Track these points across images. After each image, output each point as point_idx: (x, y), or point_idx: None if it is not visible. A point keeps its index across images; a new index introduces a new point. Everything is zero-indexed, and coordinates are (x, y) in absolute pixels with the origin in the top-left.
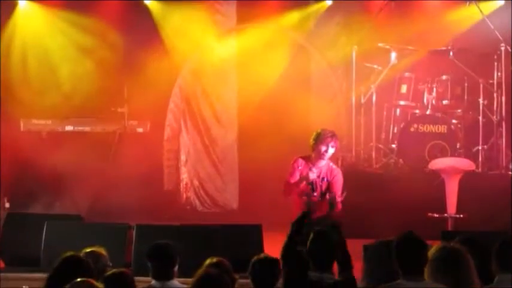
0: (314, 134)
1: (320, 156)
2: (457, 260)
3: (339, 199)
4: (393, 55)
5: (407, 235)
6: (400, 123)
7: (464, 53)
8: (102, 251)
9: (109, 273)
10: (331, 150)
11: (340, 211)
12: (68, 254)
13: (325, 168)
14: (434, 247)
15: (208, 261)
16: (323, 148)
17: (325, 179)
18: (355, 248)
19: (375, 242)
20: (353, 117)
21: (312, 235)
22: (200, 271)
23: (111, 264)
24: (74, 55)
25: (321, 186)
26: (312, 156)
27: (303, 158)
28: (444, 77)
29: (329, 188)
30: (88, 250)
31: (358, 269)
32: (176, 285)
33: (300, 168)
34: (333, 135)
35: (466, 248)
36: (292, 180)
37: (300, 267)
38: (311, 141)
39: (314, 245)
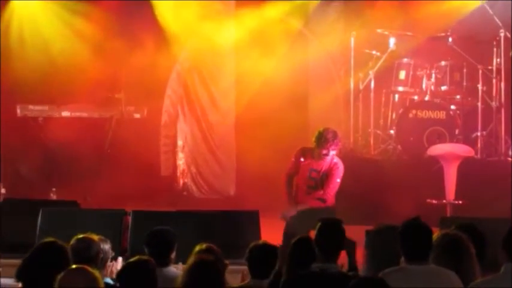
0: (316, 133)
1: (321, 157)
2: (459, 248)
3: (325, 196)
4: (392, 41)
5: (414, 221)
6: (398, 109)
7: (463, 39)
8: (94, 237)
9: (132, 260)
10: (332, 153)
11: (335, 200)
12: (46, 240)
13: (328, 163)
14: (436, 234)
15: (197, 247)
16: (324, 152)
17: (326, 174)
18: (353, 234)
19: (376, 227)
20: (351, 103)
21: (319, 226)
22: (193, 258)
23: (113, 253)
24: (71, 41)
25: (321, 181)
26: (315, 151)
27: (306, 151)
28: (443, 63)
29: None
30: (80, 236)
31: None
32: (173, 271)
33: (302, 160)
34: (334, 138)
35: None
36: (291, 171)
37: (307, 260)
38: (313, 139)
39: (322, 235)
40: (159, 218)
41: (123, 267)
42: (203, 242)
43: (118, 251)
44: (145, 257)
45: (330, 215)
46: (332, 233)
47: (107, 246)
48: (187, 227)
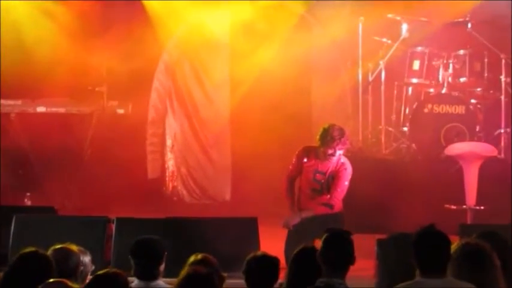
0: (321, 130)
1: (326, 158)
2: (481, 259)
3: (332, 201)
4: (404, 27)
5: (429, 229)
6: (412, 103)
7: (484, 25)
8: (73, 247)
9: (101, 272)
10: (338, 153)
11: (343, 206)
12: (27, 250)
13: (334, 164)
14: (455, 243)
15: (192, 258)
16: (329, 151)
17: (332, 176)
18: (364, 243)
19: (389, 236)
20: (359, 97)
21: (325, 237)
22: (186, 270)
23: (93, 267)
24: (46, 27)
25: (327, 184)
26: (319, 150)
27: (309, 151)
28: (462, 52)
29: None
30: (57, 247)
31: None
32: (162, 285)
33: (305, 161)
34: (341, 136)
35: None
36: (293, 173)
37: (311, 273)
38: (317, 138)
39: (328, 248)
40: (146, 226)
41: (90, 282)
42: (198, 252)
43: (100, 263)
44: (115, 270)
45: (338, 223)
46: (340, 245)
47: (87, 259)
48: (178, 236)
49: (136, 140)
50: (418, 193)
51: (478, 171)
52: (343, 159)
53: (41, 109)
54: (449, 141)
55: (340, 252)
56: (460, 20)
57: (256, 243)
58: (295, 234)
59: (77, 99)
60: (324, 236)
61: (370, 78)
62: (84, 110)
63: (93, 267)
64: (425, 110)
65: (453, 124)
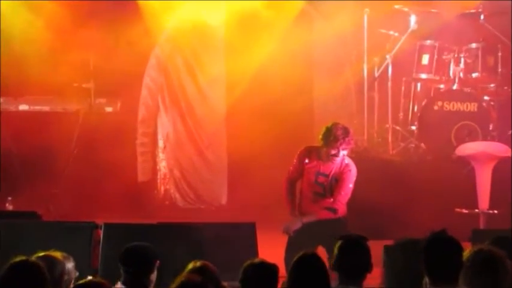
0: (324, 129)
1: (329, 159)
2: (495, 267)
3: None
4: (412, 19)
5: (439, 235)
6: (421, 100)
7: (498, 17)
8: (57, 255)
9: (82, 282)
10: (342, 153)
11: (347, 210)
12: (18, 259)
13: (337, 166)
14: (467, 250)
15: (190, 265)
16: (333, 152)
17: (336, 178)
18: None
19: (396, 242)
20: (365, 94)
21: (340, 244)
22: (180, 278)
23: (77, 274)
24: (29, 21)
25: (330, 187)
26: (322, 151)
27: (311, 151)
28: (474, 45)
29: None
30: (41, 254)
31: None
32: None
33: (306, 162)
34: (345, 136)
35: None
36: (293, 175)
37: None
38: (320, 137)
39: (345, 255)
40: (136, 232)
41: None
42: (194, 260)
43: (87, 271)
44: (98, 279)
45: (342, 228)
46: (356, 252)
47: (70, 265)
48: (170, 243)
49: (125, 140)
50: (427, 196)
51: (491, 173)
52: (347, 160)
53: (23, 107)
54: (461, 140)
55: (356, 259)
56: (472, 11)
57: (254, 250)
58: (296, 241)
59: (62, 97)
60: (339, 243)
61: (376, 74)
62: (69, 108)
63: (77, 274)
64: (435, 108)
65: (465, 122)
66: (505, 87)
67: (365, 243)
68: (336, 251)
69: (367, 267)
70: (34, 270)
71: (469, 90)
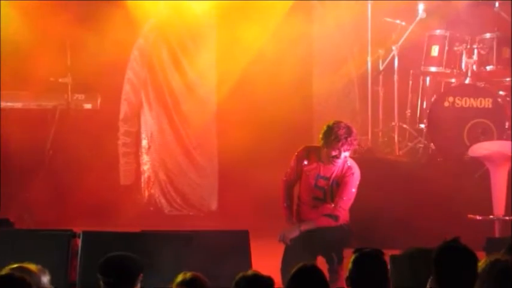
0: (325, 128)
1: (330, 160)
2: None
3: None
4: (421, 7)
5: (452, 244)
6: (430, 96)
7: None
8: (32, 267)
9: None
10: (344, 154)
11: (349, 217)
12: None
13: (339, 168)
14: (482, 261)
15: (180, 277)
16: (334, 153)
17: (337, 182)
18: None
19: (404, 252)
20: (369, 89)
21: (355, 258)
22: None
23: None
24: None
25: (331, 191)
26: (322, 152)
27: (310, 152)
28: (488, 36)
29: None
30: (14, 266)
31: None
32: None
33: (305, 164)
34: (348, 136)
35: None
36: (291, 178)
37: None
38: (320, 136)
39: (360, 270)
40: (118, 242)
41: None
42: (186, 271)
43: (64, 284)
44: None
45: (344, 237)
46: (372, 267)
47: (45, 279)
48: (156, 253)
49: (106, 140)
50: (438, 201)
51: (507, 176)
52: (350, 162)
53: None
54: (474, 140)
55: (373, 274)
56: None
57: (247, 261)
58: (293, 251)
59: (37, 93)
60: (353, 256)
61: (381, 67)
62: (45, 104)
63: None
64: (446, 104)
65: (478, 120)
66: None
67: (383, 257)
68: (350, 265)
69: (384, 283)
70: (18, 283)
71: (483, 85)
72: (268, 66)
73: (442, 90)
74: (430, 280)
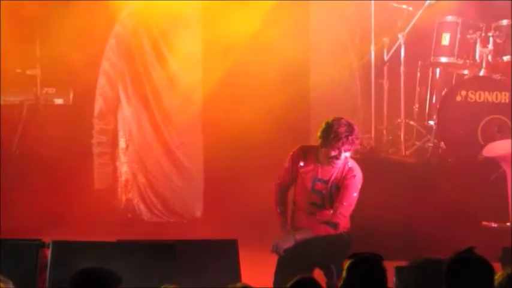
0: (323, 125)
1: (328, 162)
2: None
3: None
4: None
5: (466, 254)
6: (441, 89)
7: None
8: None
9: None
10: (345, 155)
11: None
12: None
13: (339, 170)
14: (499, 273)
15: None
16: (333, 153)
17: (337, 185)
18: None
19: (411, 263)
20: (372, 81)
21: (350, 264)
22: None
23: None
24: None
25: (330, 196)
26: (320, 152)
27: (307, 152)
28: (505, 23)
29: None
30: None
31: None
32: None
33: (301, 165)
34: (349, 134)
35: None
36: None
37: None
38: (318, 135)
39: (355, 278)
40: (92, 252)
41: None
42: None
43: None
44: None
45: (344, 246)
46: (369, 274)
47: None
48: (133, 265)
49: (79, 139)
50: (449, 207)
51: None
52: (351, 163)
53: None
54: (489, 138)
55: (370, 283)
56: None
57: (236, 273)
58: (287, 262)
59: (1, 86)
60: (348, 263)
61: (386, 58)
62: (10, 99)
63: None
64: (458, 98)
65: (494, 116)
66: None
67: (380, 263)
68: (344, 273)
69: None
70: None
71: (499, 77)
72: (260, 56)
73: (454, 83)
74: None
